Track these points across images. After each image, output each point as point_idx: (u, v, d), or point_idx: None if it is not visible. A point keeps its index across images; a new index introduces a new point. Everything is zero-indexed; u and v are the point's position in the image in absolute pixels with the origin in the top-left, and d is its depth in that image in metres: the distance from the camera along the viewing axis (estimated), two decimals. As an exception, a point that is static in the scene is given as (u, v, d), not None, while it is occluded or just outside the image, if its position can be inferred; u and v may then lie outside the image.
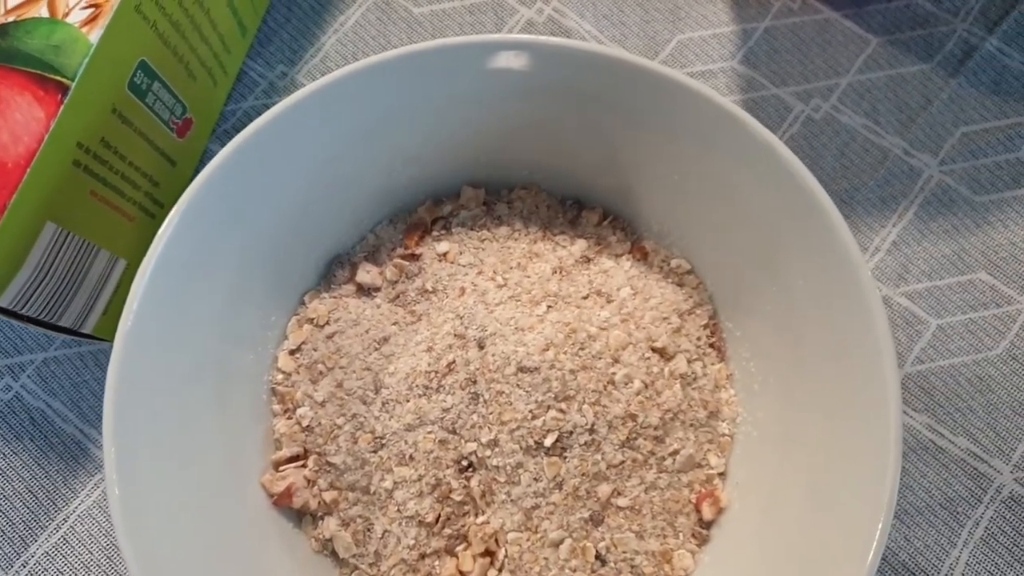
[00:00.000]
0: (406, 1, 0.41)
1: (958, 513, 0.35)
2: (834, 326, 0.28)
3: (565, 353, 0.29)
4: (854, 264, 0.27)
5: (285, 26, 0.41)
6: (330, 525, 0.30)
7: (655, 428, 0.30)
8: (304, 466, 0.30)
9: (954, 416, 0.36)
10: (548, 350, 0.29)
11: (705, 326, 0.32)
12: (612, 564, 0.29)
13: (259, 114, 0.40)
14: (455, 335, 0.30)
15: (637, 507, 0.29)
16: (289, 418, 0.31)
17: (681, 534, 0.30)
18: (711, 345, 0.32)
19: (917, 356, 0.36)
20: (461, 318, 0.30)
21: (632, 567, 0.29)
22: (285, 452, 0.30)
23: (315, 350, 0.31)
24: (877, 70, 0.40)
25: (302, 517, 0.31)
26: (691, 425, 0.30)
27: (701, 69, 0.40)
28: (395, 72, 0.30)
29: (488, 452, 0.29)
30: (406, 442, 0.29)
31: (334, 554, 0.30)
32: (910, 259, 0.38)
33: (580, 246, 0.32)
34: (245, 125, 0.39)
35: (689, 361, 0.31)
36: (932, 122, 0.39)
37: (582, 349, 0.30)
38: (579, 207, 0.33)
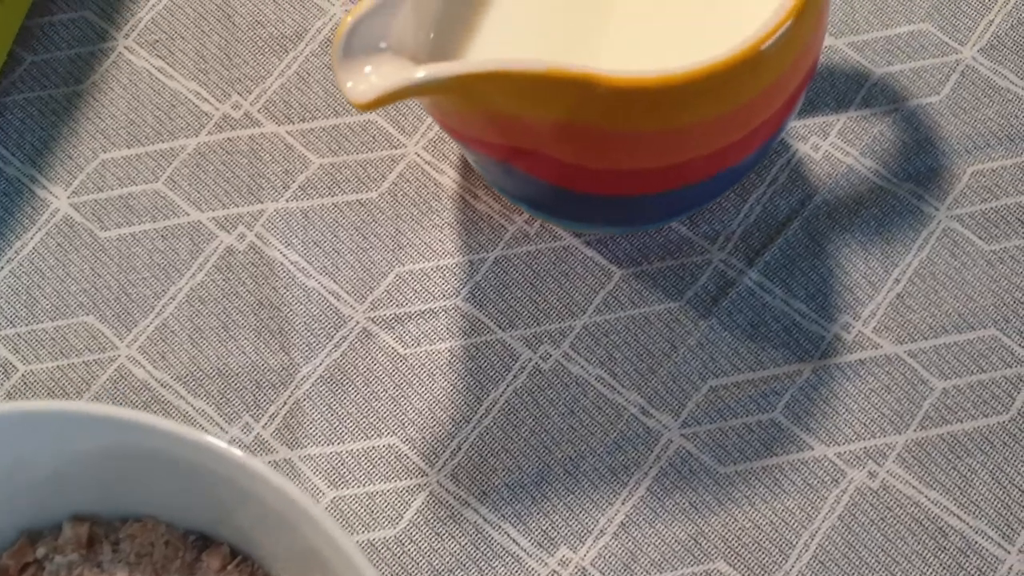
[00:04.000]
0: (92, 224, 0.36)
1: None
2: None
3: None
4: None
5: (-47, 254, 0.36)
6: None
7: None
8: None
9: None
10: None
11: None
12: None
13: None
14: None
15: None
16: None
17: None
18: None
19: (637, 666, 0.32)
20: None
21: None
22: None
23: None
24: (618, 309, 0.35)
25: None
26: None
27: (421, 308, 0.35)
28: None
29: None
30: None
31: None
32: (639, 545, 0.33)
33: (191, 600, 0.27)
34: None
35: None
36: (676, 373, 0.34)
37: None
38: (205, 543, 0.28)
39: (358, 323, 0.35)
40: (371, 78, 0.24)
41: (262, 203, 0.36)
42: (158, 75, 0.38)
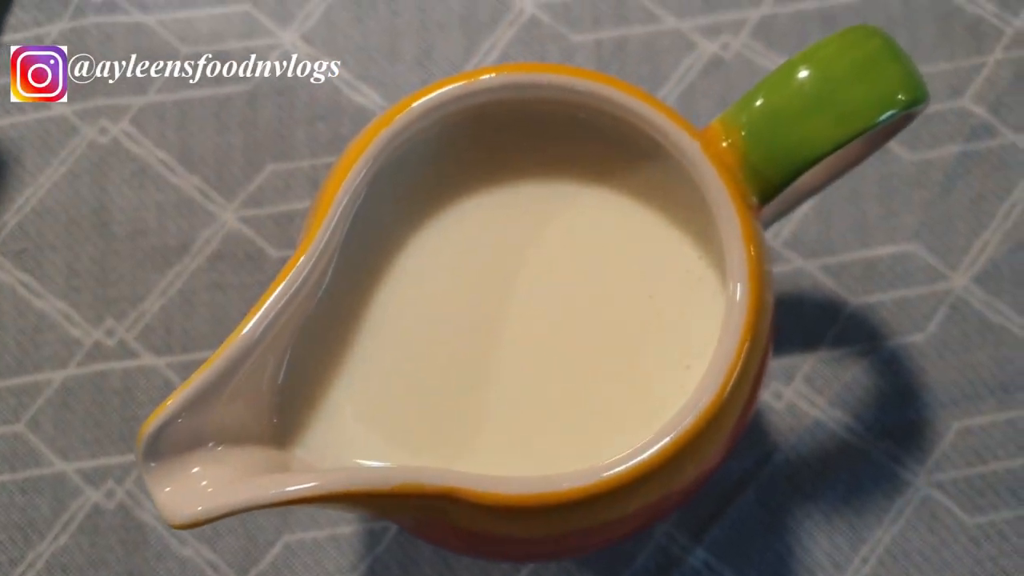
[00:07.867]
0: (-59, 472, 0.31)
1: None
2: None
3: None
4: None
5: None
6: None
7: None
8: None
9: None
10: None
11: None
12: None
13: None
14: None
15: None
16: None
17: None
18: None
19: None
20: None
21: None
22: None
23: None
24: (543, 591, 0.30)
25: None
26: None
27: (312, 585, 0.31)
28: None
29: None
30: None
31: None
32: None
33: None
34: None
35: None
36: (606, 673, 0.30)
37: None
38: None
39: (241, 602, 0.30)
40: (200, 483, 0.19)
41: (134, 452, 0.31)
42: (23, 292, 0.33)
